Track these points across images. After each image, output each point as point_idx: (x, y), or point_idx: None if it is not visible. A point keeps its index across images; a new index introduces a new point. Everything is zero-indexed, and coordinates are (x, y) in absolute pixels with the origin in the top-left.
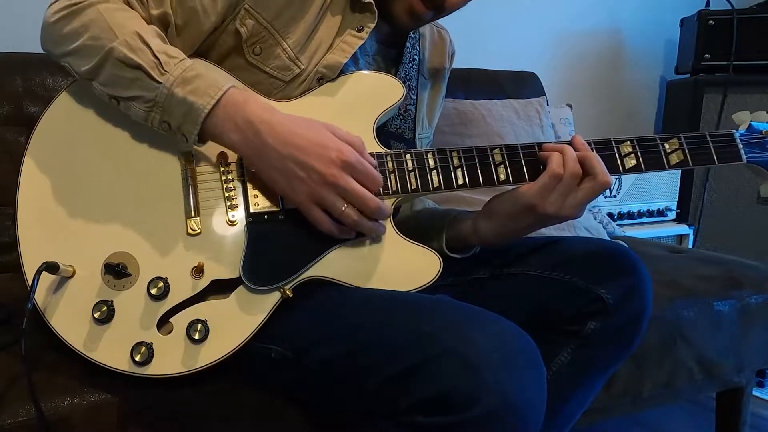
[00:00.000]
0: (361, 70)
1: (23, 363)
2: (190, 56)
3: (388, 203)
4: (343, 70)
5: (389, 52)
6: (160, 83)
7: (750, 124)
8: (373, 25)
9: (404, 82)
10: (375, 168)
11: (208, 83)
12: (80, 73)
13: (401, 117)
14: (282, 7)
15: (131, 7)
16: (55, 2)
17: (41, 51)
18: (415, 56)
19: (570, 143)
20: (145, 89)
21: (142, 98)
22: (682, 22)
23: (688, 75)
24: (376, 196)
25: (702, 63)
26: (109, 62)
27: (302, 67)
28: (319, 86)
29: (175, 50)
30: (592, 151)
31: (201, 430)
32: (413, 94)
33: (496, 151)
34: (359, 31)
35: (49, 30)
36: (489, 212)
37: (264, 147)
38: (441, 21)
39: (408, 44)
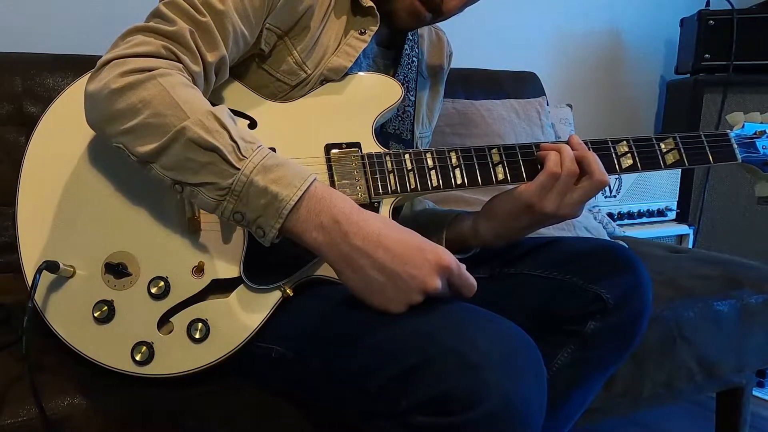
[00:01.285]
0: (362, 71)
1: (24, 361)
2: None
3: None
4: (346, 72)
5: (388, 54)
6: (238, 169)
7: (744, 125)
8: (375, 28)
9: (403, 84)
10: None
11: (292, 173)
12: (138, 154)
13: (399, 118)
14: (296, 18)
15: (179, 60)
16: (99, 71)
17: (41, 51)
18: (414, 58)
19: (567, 143)
20: (218, 175)
21: (215, 185)
22: (682, 22)
23: (688, 75)
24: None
25: (702, 63)
26: (179, 143)
27: (308, 72)
28: (321, 87)
29: (251, 135)
30: (589, 150)
31: (201, 430)
32: (412, 95)
33: (494, 150)
34: (362, 33)
35: (99, 105)
36: (488, 212)
37: (353, 252)
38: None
39: (406, 46)
